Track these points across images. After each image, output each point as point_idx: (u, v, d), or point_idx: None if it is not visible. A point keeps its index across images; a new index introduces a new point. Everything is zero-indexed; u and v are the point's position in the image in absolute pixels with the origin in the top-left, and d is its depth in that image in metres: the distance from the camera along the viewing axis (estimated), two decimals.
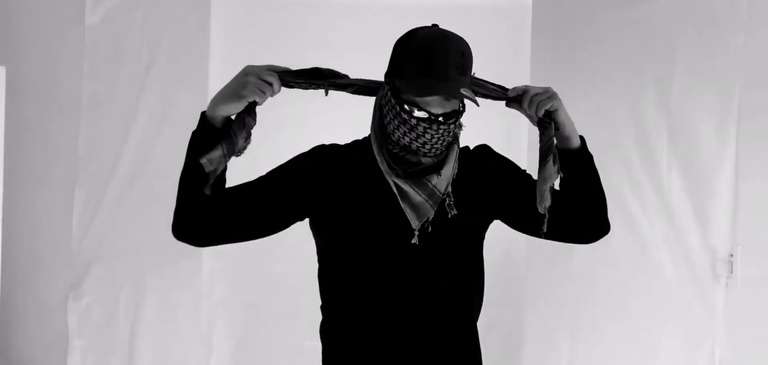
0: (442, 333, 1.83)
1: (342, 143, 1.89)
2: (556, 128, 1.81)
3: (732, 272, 3.23)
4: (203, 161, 1.69)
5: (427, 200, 1.73)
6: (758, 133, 3.20)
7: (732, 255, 3.23)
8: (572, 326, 3.33)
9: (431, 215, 1.74)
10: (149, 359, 3.50)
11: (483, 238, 1.93)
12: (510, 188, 1.88)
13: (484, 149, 1.92)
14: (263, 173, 1.84)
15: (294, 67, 1.77)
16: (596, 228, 1.91)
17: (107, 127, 3.48)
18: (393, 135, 1.73)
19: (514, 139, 3.41)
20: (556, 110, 1.79)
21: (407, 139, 1.71)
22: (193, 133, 1.76)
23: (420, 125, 1.69)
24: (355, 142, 1.88)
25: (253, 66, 1.73)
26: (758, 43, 3.20)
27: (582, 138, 1.89)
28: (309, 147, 1.87)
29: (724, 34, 3.22)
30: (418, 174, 1.74)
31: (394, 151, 1.75)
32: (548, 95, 1.79)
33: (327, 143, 1.87)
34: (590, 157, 1.90)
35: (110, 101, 3.47)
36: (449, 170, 1.76)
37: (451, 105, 1.70)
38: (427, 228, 1.75)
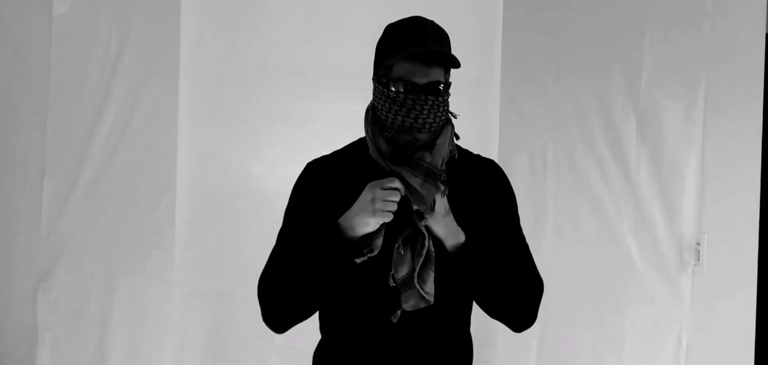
0: (436, 327, 1.86)
1: (336, 147, 1.94)
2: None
3: (699, 260, 3.27)
4: (368, 250, 1.76)
5: (425, 181, 1.75)
6: (725, 122, 3.25)
7: (699, 243, 3.27)
8: (541, 312, 3.31)
9: (435, 193, 1.75)
10: (121, 352, 3.47)
11: None
12: (489, 218, 1.87)
13: (496, 168, 1.95)
14: (280, 226, 1.92)
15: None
16: (508, 321, 1.98)
17: (76, 118, 3.44)
18: (387, 121, 1.79)
19: (485, 133, 3.43)
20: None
21: (399, 117, 1.77)
22: (313, 244, 1.78)
23: (408, 100, 1.75)
24: (349, 145, 1.93)
25: (375, 187, 1.74)
26: (724, 32, 3.24)
27: (467, 243, 1.81)
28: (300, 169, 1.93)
29: (691, 22, 3.26)
30: (412, 153, 1.77)
31: (389, 135, 1.80)
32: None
33: (316, 157, 1.93)
34: (473, 260, 1.82)
35: (78, 91, 3.44)
36: (441, 144, 1.79)
37: (435, 74, 1.77)
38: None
